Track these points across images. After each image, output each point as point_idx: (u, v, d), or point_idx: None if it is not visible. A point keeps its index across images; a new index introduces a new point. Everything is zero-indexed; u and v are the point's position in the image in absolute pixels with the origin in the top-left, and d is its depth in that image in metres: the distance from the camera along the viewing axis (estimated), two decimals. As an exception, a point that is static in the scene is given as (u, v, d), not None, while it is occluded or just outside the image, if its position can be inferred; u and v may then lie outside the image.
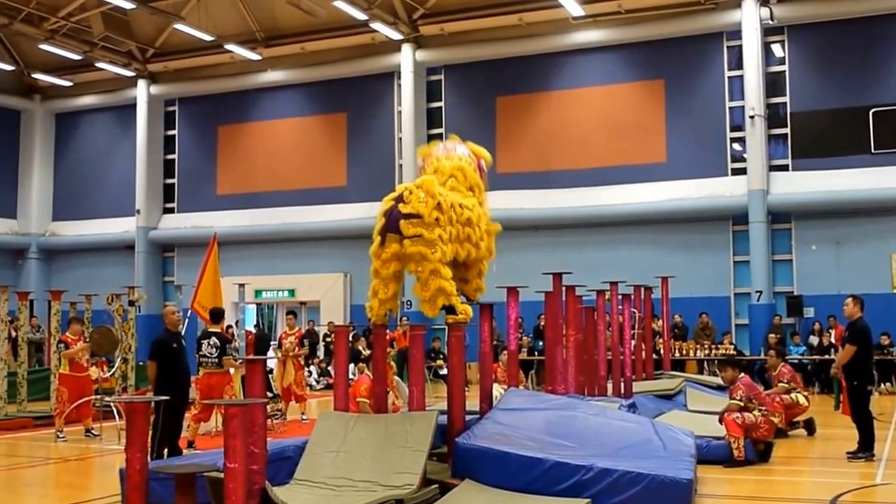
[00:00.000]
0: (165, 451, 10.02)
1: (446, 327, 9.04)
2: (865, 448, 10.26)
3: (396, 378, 13.33)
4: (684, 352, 19.95)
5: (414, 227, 8.52)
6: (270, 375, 15.13)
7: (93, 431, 13.42)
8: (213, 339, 11.86)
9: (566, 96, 23.51)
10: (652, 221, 22.01)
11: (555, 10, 22.23)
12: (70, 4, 24.42)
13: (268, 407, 9.71)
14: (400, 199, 8.64)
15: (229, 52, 25.51)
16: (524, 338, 19.98)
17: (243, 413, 6.11)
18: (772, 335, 19.00)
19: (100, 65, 26.88)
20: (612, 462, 7.77)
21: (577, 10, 21.67)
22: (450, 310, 8.79)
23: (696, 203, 21.55)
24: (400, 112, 24.66)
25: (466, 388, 9.76)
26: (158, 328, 11.05)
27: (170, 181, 28.16)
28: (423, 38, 24.43)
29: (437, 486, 7.57)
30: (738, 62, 21.66)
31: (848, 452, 10.35)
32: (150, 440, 7.41)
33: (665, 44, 22.35)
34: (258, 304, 26.78)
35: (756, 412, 10.33)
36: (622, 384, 13.67)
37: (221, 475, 6.10)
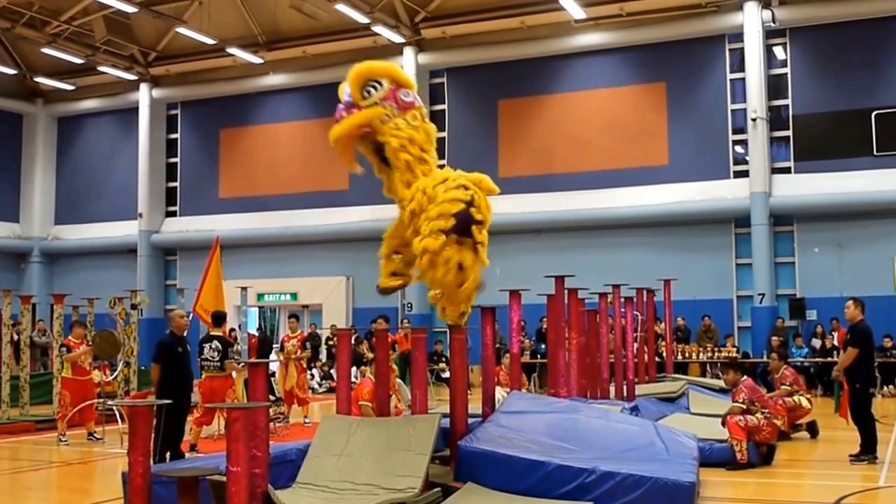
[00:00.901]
0: (168, 454, 10.01)
1: (448, 330, 9.05)
2: (868, 451, 10.25)
3: (399, 381, 13.36)
4: (687, 354, 19.94)
5: (480, 234, 8.55)
6: (273, 379, 15.13)
7: (95, 435, 13.40)
8: (215, 343, 11.85)
9: (568, 99, 23.51)
10: (654, 224, 21.99)
11: (557, 14, 22.23)
12: (72, 8, 24.45)
13: (270, 410, 9.71)
14: (471, 203, 8.48)
15: (231, 55, 25.52)
16: (526, 341, 19.97)
17: (246, 416, 6.11)
18: (774, 338, 18.96)
19: (102, 68, 26.91)
20: (615, 465, 7.76)
21: (578, 13, 21.67)
22: None
23: (698, 206, 21.53)
24: (401, 115, 24.60)
25: (469, 392, 9.76)
26: (161, 332, 11.07)
27: (172, 185, 28.15)
28: (425, 42, 24.43)
29: (439, 489, 7.56)
30: (739, 65, 21.65)
31: (851, 455, 10.35)
32: (152, 444, 7.40)
33: (667, 46, 22.35)
34: (260, 308, 26.80)
35: (759, 415, 10.32)
36: (625, 387, 13.66)
37: (224, 479, 6.09)
